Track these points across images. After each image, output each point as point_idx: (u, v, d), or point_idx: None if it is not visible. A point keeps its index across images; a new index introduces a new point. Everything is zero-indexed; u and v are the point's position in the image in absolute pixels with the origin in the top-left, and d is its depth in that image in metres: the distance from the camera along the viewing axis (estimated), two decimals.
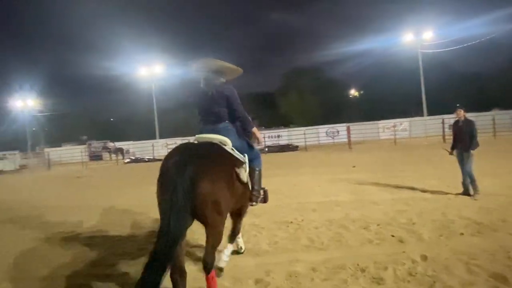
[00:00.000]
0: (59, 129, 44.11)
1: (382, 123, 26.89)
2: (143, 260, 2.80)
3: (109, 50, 63.46)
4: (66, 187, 11.81)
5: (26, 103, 37.25)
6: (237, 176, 2.83)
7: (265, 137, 25.73)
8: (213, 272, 2.63)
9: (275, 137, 27.50)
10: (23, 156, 28.27)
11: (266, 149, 22.14)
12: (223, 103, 3.04)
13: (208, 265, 2.55)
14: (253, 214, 5.06)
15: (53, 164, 25.47)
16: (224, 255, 3.23)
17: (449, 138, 6.33)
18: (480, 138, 5.97)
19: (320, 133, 26.91)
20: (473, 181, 5.72)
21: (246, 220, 4.57)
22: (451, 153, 6.16)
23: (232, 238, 3.52)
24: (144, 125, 40.20)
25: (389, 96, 38.32)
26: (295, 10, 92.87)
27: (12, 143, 33.51)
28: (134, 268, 3.43)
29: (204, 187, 2.35)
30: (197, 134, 3.08)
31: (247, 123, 3.25)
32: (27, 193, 10.85)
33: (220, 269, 3.12)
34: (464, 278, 2.86)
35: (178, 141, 27.71)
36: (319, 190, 7.35)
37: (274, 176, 9.39)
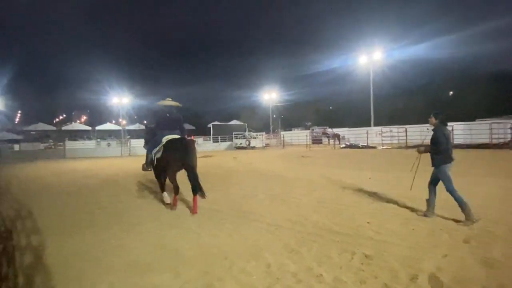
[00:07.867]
0: (291, 116, 54.31)
1: None
2: None
3: (329, 46, 69.28)
4: (293, 162, 14.73)
5: (270, 96, 48.07)
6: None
7: None
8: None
9: None
10: (267, 137, 36.83)
11: None
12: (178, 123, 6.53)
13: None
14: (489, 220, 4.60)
15: (286, 144, 31.90)
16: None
17: None
18: None
19: None
20: None
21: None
22: None
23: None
24: (359, 112, 41.21)
25: None
26: None
27: (259, 127, 45.02)
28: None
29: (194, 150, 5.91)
30: (167, 136, 6.12)
31: (184, 133, 6.54)
32: (264, 164, 14.49)
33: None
34: None
35: (394, 129, 26.43)
36: None
37: None
